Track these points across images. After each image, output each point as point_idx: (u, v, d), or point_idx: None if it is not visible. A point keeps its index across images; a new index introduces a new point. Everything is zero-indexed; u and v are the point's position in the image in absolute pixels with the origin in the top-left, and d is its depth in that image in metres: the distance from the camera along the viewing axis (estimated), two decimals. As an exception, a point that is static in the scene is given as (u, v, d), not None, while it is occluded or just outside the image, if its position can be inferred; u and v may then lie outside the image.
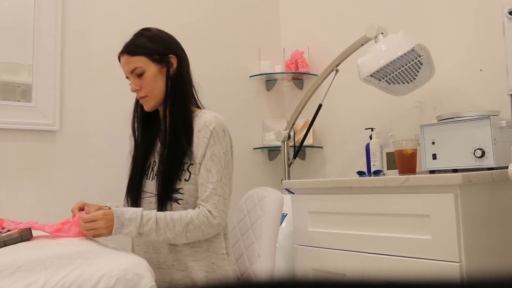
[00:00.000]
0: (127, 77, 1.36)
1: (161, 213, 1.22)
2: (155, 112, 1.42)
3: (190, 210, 1.25)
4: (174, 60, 1.35)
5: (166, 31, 1.42)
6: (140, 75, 1.32)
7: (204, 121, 1.30)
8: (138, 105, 1.43)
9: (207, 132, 1.28)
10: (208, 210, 1.23)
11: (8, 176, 1.77)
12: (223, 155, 1.29)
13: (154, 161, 1.37)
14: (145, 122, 1.42)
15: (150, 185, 1.34)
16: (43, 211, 1.80)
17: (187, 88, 1.37)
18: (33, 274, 0.93)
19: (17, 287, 0.90)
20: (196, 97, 1.41)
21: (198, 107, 1.41)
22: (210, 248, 1.30)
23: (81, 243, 1.13)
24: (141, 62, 1.31)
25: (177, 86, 1.35)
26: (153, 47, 1.34)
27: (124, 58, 1.34)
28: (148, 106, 1.36)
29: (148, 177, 1.36)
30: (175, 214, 1.22)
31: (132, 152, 1.43)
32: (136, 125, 1.42)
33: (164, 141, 1.34)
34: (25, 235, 1.12)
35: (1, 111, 1.75)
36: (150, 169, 1.36)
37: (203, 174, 1.27)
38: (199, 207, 1.25)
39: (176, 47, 1.39)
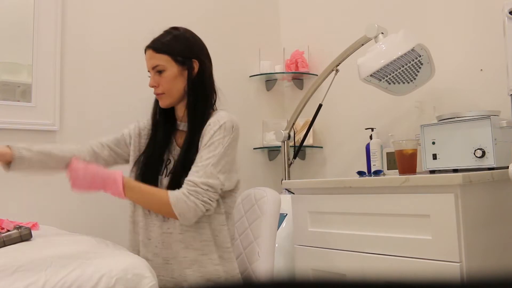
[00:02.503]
0: (149, 71, 1.38)
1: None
2: (174, 110, 1.43)
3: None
4: (196, 65, 1.37)
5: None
6: (160, 72, 1.35)
7: (217, 117, 1.33)
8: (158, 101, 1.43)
9: (216, 125, 1.30)
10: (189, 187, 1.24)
11: (8, 176, 1.76)
12: (221, 146, 1.28)
13: (169, 159, 1.39)
14: (166, 119, 1.43)
15: (164, 182, 1.35)
16: (43, 211, 1.80)
17: (208, 93, 1.39)
18: (33, 274, 0.93)
19: (17, 287, 0.90)
20: (214, 103, 1.41)
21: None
22: (217, 242, 1.32)
23: (81, 243, 1.13)
24: (163, 60, 1.34)
25: (197, 90, 1.37)
26: (178, 48, 1.36)
27: (149, 53, 1.37)
28: (163, 103, 1.38)
29: (161, 173, 1.38)
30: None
31: (134, 137, 1.43)
32: (157, 120, 1.43)
33: (182, 143, 1.35)
34: (25, 235, 1.12)
35: (1, 111, 1.75)
36: (164, 166, 1.38)
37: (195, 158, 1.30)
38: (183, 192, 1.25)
39: (201, 52, 1.41)
